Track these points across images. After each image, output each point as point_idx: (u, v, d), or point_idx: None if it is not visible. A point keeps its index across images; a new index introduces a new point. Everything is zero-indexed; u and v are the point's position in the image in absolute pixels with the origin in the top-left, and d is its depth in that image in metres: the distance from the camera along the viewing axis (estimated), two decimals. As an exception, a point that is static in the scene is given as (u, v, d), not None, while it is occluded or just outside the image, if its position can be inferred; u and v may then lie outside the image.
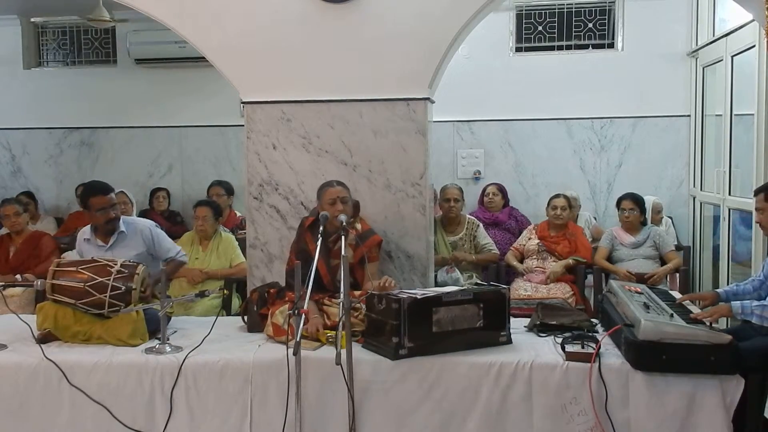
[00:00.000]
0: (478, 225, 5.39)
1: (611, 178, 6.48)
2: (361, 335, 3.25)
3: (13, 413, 3.15)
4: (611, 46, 6.49)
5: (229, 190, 6.51)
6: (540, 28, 6.61)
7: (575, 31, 6.54)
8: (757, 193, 3.49)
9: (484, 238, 5.35)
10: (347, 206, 3.59)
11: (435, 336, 3.09)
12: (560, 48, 6.59)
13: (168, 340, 3.30)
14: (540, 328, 3.41)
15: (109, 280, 3.35)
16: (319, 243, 3.02)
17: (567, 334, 3.22)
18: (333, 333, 3.21)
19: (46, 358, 3.15)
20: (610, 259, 5.29)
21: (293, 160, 4.20)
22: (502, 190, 6.06)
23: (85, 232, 3.90)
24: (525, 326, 3.49)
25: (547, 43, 6.61)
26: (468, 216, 5.48)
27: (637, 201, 5.33)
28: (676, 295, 3.64)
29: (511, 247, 5.50)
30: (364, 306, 3.29)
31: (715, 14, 5.83)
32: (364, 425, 3.04)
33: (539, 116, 6.49)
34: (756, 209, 3.48)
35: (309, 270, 2.85)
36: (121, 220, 3.84)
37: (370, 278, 3.52)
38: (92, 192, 3.78)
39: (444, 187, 5.41)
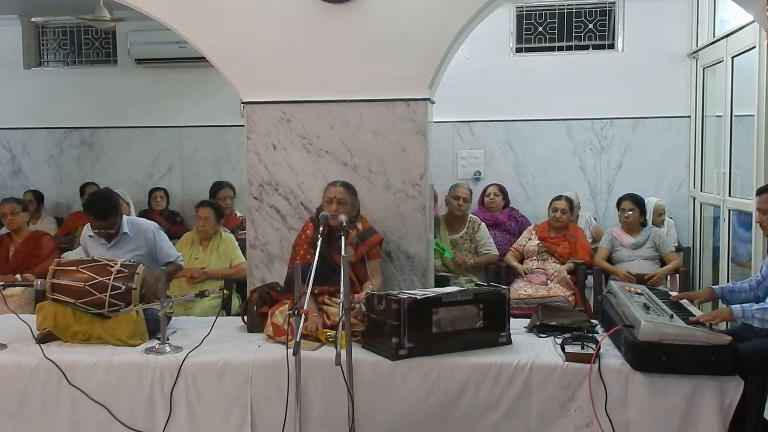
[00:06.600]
0: (480, 224, 5.39)
1: (611, 179, 6.48)
2: (361, 336, 3.25)
3: (13, 413, 3.15)
4: (611, 46, 6.48)
5: (234, 192, 6.50)
6: (540, 28, 6.61)
7: (575, 32, 6.53)
8: (760, 192, 3.42)
9: (485, 237, 5.35)
10: (343, 207, 3.59)
11: (435, 336, 3.09)
12: (560, 49, 6.58)
13: (168, 340, 3.31)
14: (540, 329, 3.41)
15: (109, 279, 3.35)
16: (319, 243, 3.02)
17: (567, 335, 3.23)
18: (332, 332, 3.21)
19: (46, 357, 3.15)
20: (610, 259, 5.29)
21: (293, 161, 4.20)
22: (502, 190, 6.05)
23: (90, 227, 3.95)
24: (525, 327, 3.49)
25: (547, 44, 6.60)
26: (471, 215, 5.49)
27: (638, 201, 5.35)
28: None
29: (511, 248, 5.50)
30: (362, 305, 3.27)
31: (715, 15, 5.82)
32: (364, 425, 3.04)
33: (539, 117, 6.48)
34: (758, 209, 3.43)
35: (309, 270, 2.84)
36: (125, 220, 3.89)
37: (370, 276, 3.53)
38: (87, 212, 3.85)
39: (455, 185, 5.53)
